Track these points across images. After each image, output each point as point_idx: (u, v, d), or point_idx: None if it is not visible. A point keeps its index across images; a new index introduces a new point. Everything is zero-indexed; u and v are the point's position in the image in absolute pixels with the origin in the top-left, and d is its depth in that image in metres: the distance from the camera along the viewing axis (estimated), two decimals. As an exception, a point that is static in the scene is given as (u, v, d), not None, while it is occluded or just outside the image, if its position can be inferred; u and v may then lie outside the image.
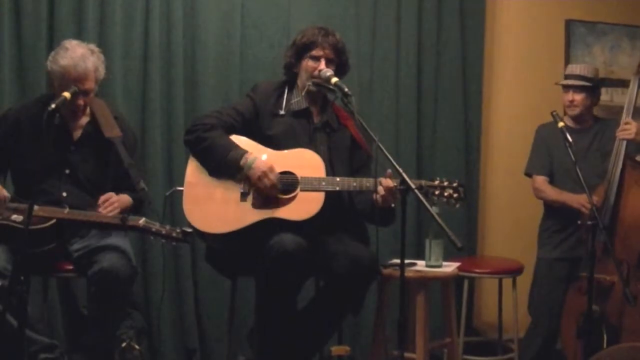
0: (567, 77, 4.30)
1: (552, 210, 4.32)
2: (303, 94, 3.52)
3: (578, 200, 4.04)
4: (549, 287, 4.23)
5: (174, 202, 4.04)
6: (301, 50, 3.51)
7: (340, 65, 3.52)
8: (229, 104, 3.80)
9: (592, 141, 4.26)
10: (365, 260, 3.29)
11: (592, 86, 4.23)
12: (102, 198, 3.36)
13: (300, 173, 3.34)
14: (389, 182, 3.23)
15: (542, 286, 4.29)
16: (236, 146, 3.37)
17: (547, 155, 4.35)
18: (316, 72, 3.43)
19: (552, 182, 4.34)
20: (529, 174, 4.44)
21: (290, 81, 3.59)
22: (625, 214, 3.83)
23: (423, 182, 3.31)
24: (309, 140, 3.50)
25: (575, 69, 4.30)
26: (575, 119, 4.29)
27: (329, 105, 3.60)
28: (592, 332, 3.63)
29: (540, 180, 4.35)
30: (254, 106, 3.50)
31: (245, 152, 3.34)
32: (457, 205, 3.34)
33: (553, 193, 4.27)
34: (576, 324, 3.88)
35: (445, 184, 3.32)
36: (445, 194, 3.30)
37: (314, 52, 3.47)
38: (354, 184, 3.32)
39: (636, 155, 3.99)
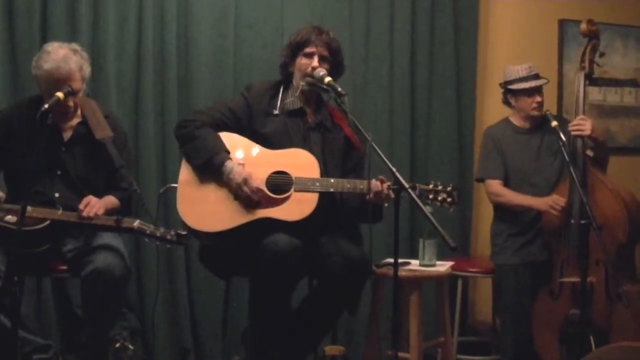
0: (527, 78, 4.20)
1: (506, 213, 4.22)
2: (297, 93, 3.52)
3: (545, 202, 3.96)
4: (517, 295, 4.08)
5: (167, 201, 4.03)
6: (295, 48, 3.52)
7: (335, 65, 3.52)
8: (222, 100, 3.81)
9: (542, 140, 4.20)
10: (357, 259, 3.30)
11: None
12: (83, 202, 3.32)
13: (294, 173, 3.35)
14: (379, 187, 3.25)
15: (508, 294, 4.12)
16: (221, 149, 3.37)
17: (499, 158, 4.24)
18: (309, 70, 3.44)
19: (505, 185, 4.22)
20: (480, 179, 4.34)
21: (286, 81, 3.59)
22: (597, 213, 3.73)
23: (417, 186, 3.32)
24: (303, 139, 3.50)
25: (531, 69, 4.22)
26: (527, 118, 4.24)
27: (323, 106, 3.61)
28: (577, 335, 3.62)
29: (496, 184, 4.22)
30: (247, 105, 3.51)
31: (227, 158, 3.35)
32: (451, 210, 3.35)
33: (515, 197, 4.14)
34: (552, 328, 3.86)
35: (440, 187, 3.32)
36: (439, 197, 3.31)
37: (307, 50, 3.48)
38: (348, 186, 3.32)
39: (586, 150, 3.94)
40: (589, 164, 3.90)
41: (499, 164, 4.23)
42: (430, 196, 3.31)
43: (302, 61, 3.49)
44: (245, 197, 3.31)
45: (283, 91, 3.56)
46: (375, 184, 3.26)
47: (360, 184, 3.31)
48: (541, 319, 3.98)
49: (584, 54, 4.00)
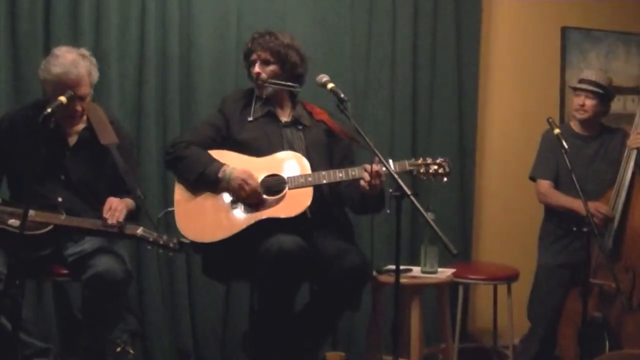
0: (581, 81, 4.29)
1: (554, 215, 4.28)
2: (264, 97, 3.59)
3: (589, 207, 4.02)
4: (547, 293, 4.18)
5: (167, 218, 4.02)
6: (244, 59, 3.67)
7: (287, 65, 3.56)
8: (202, 120, 3.84)
9: (599, 149, 4.25)
10: (357, 266, 3.30)
11: (604, 94, 4.23)
12: (107, 206, 3.32)
13: (286, 174, 3.39)
14: (374, 166, 3.25)
15: (540, 292, 4.25)
16: (213, 160, 3.43)
17: (553, 159, 4.29)
18: (254, 76, 3.56)
19: (556, 187, 4.29)
20: (533, 178, 4.40)
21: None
22: (634, 222, 3.86)
23: (407, 163, 3.34)
24: (282, 139, 3.55)
25: (590, 74, 4.30)
26: (583, 125, 4.28)
27: (297, 103, 3.66)
28: (591, 338, 3.64)
29: (546, 184, 4.29)
30: (223, 116, 3.60)
31: (221, 165, 3.40)
32: (445, 179, 3.36)
33: (561, 199, 4.20)
34: (577, 329, 3.89)
35: (429, 160, 3.35)
36: (431, 170, 3.34)
37: (251, 58, 3.61)
38: (340, 175, 3.35)
39: None
40: (638, 175, 3.98)
41: (552, 165, 4.30)
42: (422, 170, 3.33)
43: (250, 69, 3.61)
44: (251, 193, 3.34)
45: (255, 98, 3.63)
46: (369, 166, 3.27)
47: (352, 171, 3.34)
48: (568, 318, 4.03)
49: None
